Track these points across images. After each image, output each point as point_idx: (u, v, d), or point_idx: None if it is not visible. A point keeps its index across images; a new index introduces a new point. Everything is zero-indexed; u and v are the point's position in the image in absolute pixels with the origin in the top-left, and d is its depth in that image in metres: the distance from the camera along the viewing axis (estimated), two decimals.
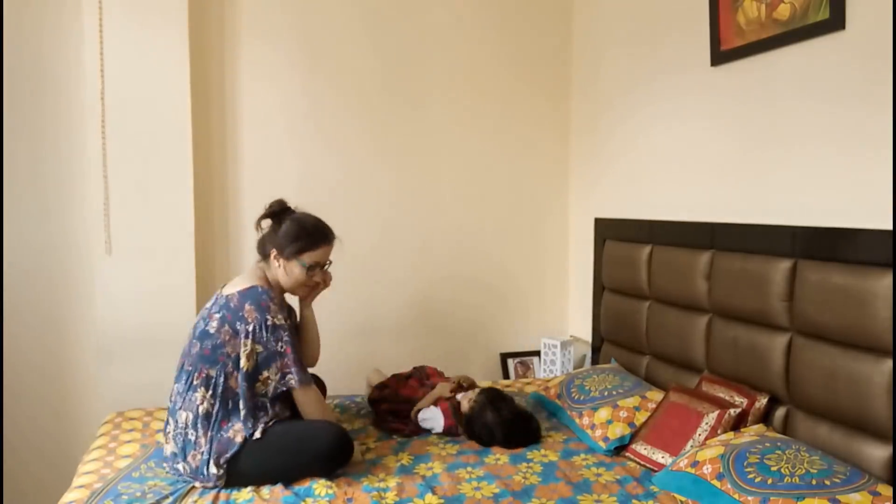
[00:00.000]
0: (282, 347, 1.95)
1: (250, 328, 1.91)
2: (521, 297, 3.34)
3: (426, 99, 3.11)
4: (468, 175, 3.21)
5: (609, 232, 2.91)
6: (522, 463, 2.01)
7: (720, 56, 2.29)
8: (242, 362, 1.90)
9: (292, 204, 2.11)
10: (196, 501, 1.77)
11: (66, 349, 2.75)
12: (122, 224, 2.64)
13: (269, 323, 1.92)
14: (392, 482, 1.86)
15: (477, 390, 2.33)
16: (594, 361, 3.01)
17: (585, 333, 3.19)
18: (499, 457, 2.06)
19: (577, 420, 2.28)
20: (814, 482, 1.56)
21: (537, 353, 3.30)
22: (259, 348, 1.92)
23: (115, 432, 2.26)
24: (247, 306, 1.93)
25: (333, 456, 1.90)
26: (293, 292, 2.13)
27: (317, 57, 2.94)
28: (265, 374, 1.94)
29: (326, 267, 2.14)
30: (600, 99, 3.07)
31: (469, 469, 1.96)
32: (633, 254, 2.66)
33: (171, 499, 1.77)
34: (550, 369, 3.17)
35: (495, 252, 3.28)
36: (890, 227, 1.69)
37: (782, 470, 1.63)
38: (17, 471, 2.71)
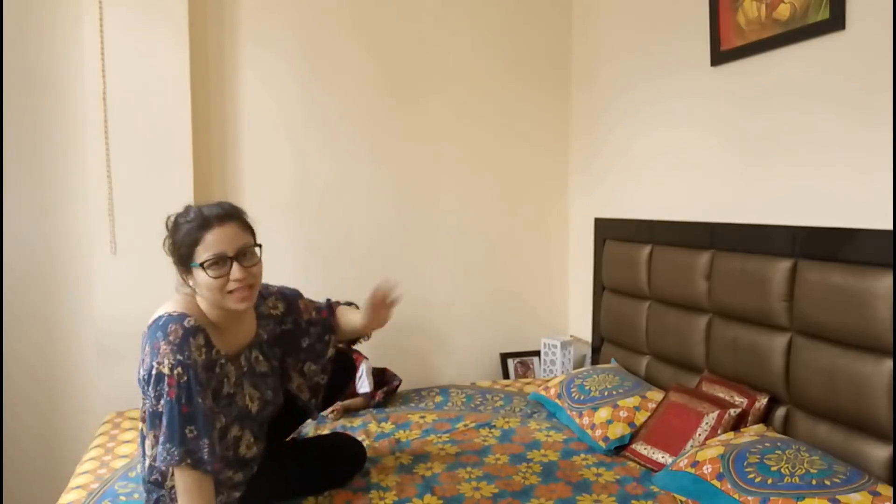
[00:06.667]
0: (162, 406, 1.46)
1: (140, 374, 1.52)
2: (521, 297, 3.34)
3: (425, 100, 3.11)
4: (467, 175, 3.21)
5: (609, 232, 2.91)
6: (522, 463, 2.00)
7: (720, 56, 2.28)
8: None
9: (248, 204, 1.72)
10: None
11: (67, 349, 2.75)
12: (122, 224, 2.63)
13: (154, 371, 1.47)
14: (392, 482, 1.86)
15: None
16: (594, 361, 3.01)
17: (585, 333, 3.19)
18: (499, 457, 2.05)
19: (577, 420, 2.28)
20: (814, 482, 1.56)
21: (537, 353, 3.30)
22: (147, 404, 1.50)
23: (113, 432, 2.26)
24: (146, 348, 1.52)
25: None
26: (224, 304, 1.59)
27: (316, 56, 2.94)
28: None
29: (244, 258, 1.58)
30: (600, 99, 3.07)
31: (468, 469, 1.96)
32: (633, 254, 2.65)
33: None
34: (550, 369, 3.17)
35: (495, 252, 3.28)
36: (890, 227, 1.69)
37: (782, 470, 1.62)
38: (18, 471, 2.70)
